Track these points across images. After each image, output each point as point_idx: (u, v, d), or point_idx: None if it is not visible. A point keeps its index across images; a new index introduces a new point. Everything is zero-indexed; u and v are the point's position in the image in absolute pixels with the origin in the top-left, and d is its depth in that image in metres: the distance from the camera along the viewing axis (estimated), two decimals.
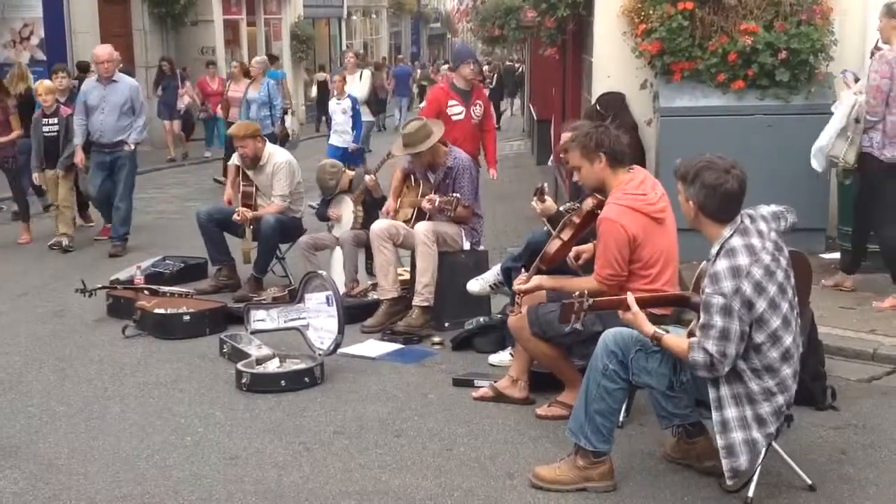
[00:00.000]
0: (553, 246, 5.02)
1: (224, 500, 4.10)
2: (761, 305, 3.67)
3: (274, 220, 7.45)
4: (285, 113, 15.15)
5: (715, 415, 3.79)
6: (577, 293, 4.00)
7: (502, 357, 5.74)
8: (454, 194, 6.51)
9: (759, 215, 3.84)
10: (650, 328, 3.89)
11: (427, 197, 6.62)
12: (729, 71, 7.73)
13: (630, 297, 3.95)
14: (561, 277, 4.95)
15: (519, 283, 5.01)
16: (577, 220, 4.95)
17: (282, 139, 12.84)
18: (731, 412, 3.76)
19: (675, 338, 3.87)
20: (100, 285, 7.27)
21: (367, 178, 7.39)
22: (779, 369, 3.76)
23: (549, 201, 5.56)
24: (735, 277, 3.65)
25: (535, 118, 17.61)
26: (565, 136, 5.71)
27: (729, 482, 3.83)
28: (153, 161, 17.76)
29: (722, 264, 3.68)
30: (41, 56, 17.62)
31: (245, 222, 7.50)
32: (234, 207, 7.72)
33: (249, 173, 7.70)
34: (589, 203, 4.90)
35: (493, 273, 6.15)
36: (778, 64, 7.62)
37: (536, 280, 4.92)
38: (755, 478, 3.92)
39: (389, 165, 7.72)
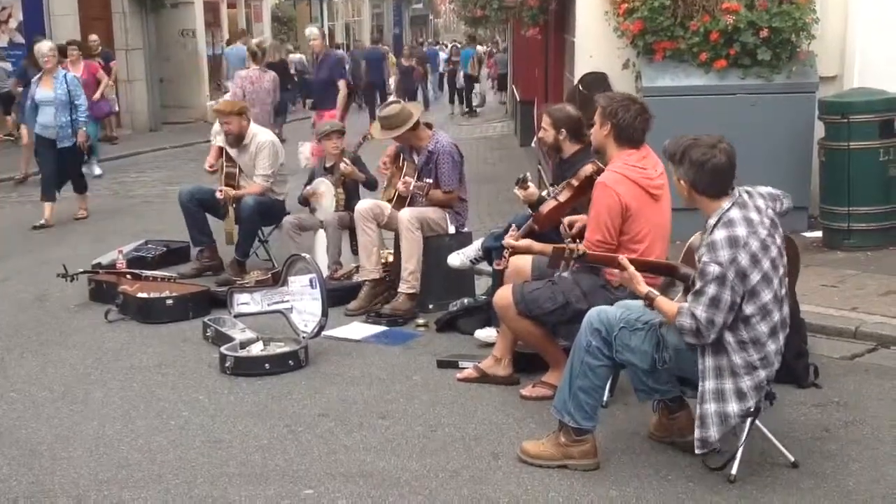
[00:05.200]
0: (548, 206, 5.01)
1: (209, 483, 4.09)
2: (755, 277, 3.70)
3: (254, 202, 7.41)
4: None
5: (700, 385, 3.84)
6: (569, 240, 4.03)
7: (489, 332, 5.74)
8: (427, 180, 6.51)
9: (758, 193, 3.89)
10: (644, 288, 3.94)
11: (402, 179, 6.61)
12: (711, 50, 7.74)
13: (624, 259, 4.00)
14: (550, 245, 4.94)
15: (510, 238, 4.99)
16: (575, 182, 4.95)
17: (87, 151, 10.78)
18: (709, 384, 3.81)
19: (667, 301, 3.91)
20: (82, 270, 7.22)
21: (342, 165, 7.36)
22: (765, 343, 3.80)
23: (532, 188, 5.56)
24: (732, 247, 3.68)
25: (518, 99, 17.58)
26: (545, 119, 5.70)
27: (697, 451, 3.86)
28: (133, 145, 17.69)
29: (720, 234, 3.71)
30: (20, 39, 17.45)
31: (227, 200, 7.46)
32: (215, 187, 7.68)
33: (233, 153, 7.66)
34: (588, 168, 4.90)
35: (475, 248, 6.15)
36: (760, 43, 7.64)
37: (527, 242, 4.91)
38: (738, 455, 3.94)
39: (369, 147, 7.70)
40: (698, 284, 3.74)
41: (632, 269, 3.99)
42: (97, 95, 13.87)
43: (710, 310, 3.69)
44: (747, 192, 3.86)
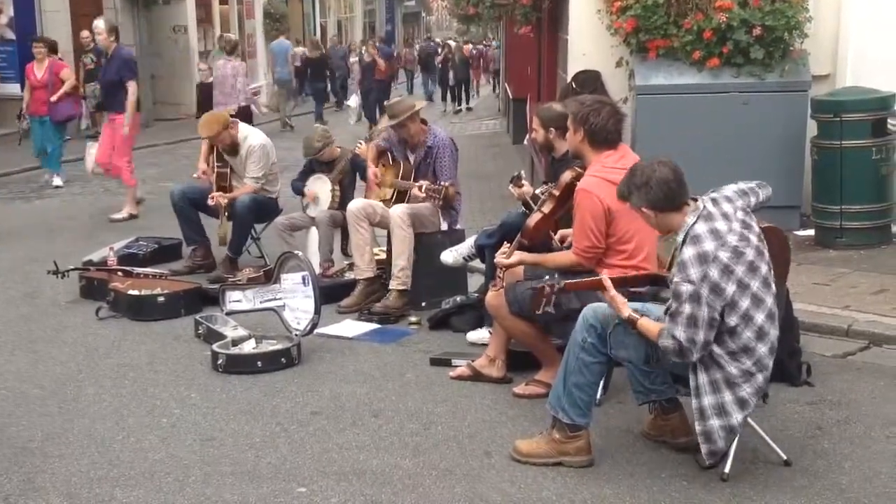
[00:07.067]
0: (534, 219, 5.01)
1: (201, 481, 4.07)
2: (731, 289, 3.68)
3: (248, 199, 7.38)
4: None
5: (694, 402, 3.83)
6: (547, 277, 4.02)
7: (481, 334, 5.73)
8: (443, 183, 6.44)
9: (723, 196, 3.85)
10: (627, 311, 3.91)
11: (419, 184, 6.49)
12: (704, 48, 7.74)
13: (605, 279, 3.97)
14: (542, 255, 4.94)
15: (501, 257, 4.99)
16: (556, 192, 4.96)
17: None
18: (707, 400, 3.79)
19: (650, 323, 3.88)
20: (72, 267, 7.19)
21: (356, 150, 7.35)
22: (755, 349, 3.78)
23: (527, 186, 5.56)
24: (702, 264, 3.66)
25: (511, 97, 17.57)
26: (534, 120, 5.70)
27: (708, 463, 3.88)
28: None
29: (688, 252, 3.69)
30: (11, 35, 17.39)
31: (220, 207, 7.43)
32: (208, 186, 7.65)
33: (225, 156, 7.63)
34: (567, 175, 4.90)
35: (468, 245, 6.14)
36: (752, 41, 7.63)
37: (518, 256, 4.92)
38: (731, 454, 3.94)
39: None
40: (673, 305, 3.73)
41: (613, 291, 3.95)
42: (55, 97, 11.93)
43: (688, 329, 3.68)
44: (712, 200, 3.82)
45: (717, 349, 3.76)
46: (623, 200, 3.97)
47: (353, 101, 18.73)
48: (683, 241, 3.74)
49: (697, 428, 3.83)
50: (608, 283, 3.97)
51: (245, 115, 12.65)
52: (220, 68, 13.56)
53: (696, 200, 3.83)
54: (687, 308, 3.66)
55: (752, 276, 3.73)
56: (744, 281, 3.71)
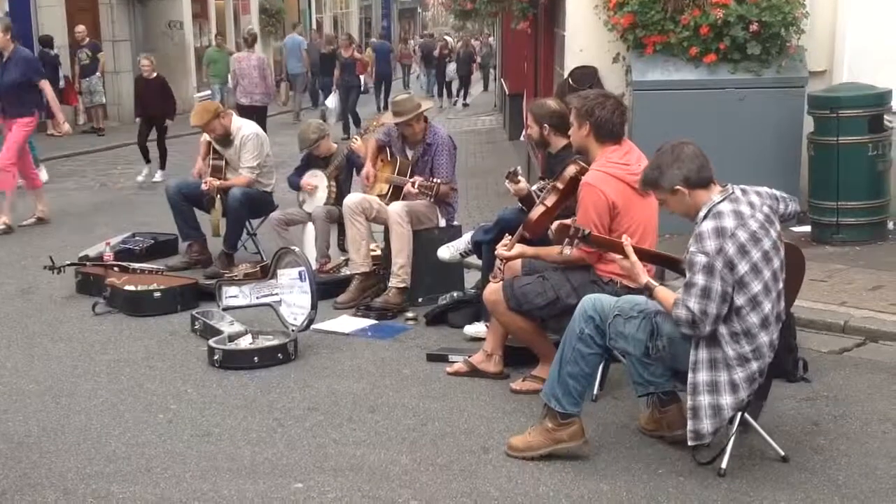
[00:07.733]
0: (536, 212, 5.01)
1: (198, 477, 4.06)
2: (743, 268, 3.72)
3: (241, 193, 7.37)
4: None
5: (690, 376, 3.86)
6: (574, 220, 4.05)
7: (478, 328, 5.73)
8: (434, 179, 6.44)
9: (754, 190, 3.91)
10: (644, 277, 3.96)
11: (412, 180, 6.50)
12: (701, 44, 7.74)
13: (628, 245, 4.01)
14: (542, 248, 4.94)
15: (502, 249, 4.99)
16: (560, 185, 4.96)
17: None
18: (702, 376, 3.82)
19: (666, 292, 3.92)
20: (69, 262, 7.18)
21: (352, 145, 7.35)
22: (756, 335, 3.81)
23: (523, 182, 5.55)
24: (719, 237, 3.70)
25: (507, 93, 17.57)
26: (529, 116, 5.70)
27: (690, 443, 3.88)
28: (120, 137, 17.60)
29: (707, 225, 3.74)
30: None
31: (212, 191, 7.42)
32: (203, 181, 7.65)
33: (218, 147, 7.62)
34: (572, 169, 4.89)
35: (464, 241, 6.14)
36: (749, 37, 7.64)
37: (519, 248, 4.92)
38: (728, 449, 3.95)
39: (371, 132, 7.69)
40: (688, 276, 3.77)
41: (634, 256, 4.00)
42: None
43: (702, 301, 3.71)
44: (742, 190, 3.89)
45: (721, 328, 3.79)
46: (649, 187, 3.98)
47: (332, 101, 18.47)
48: (705, 217, 3.78)
49: (688, 403, 3.85)
50: (630, 250, 4.01)
51: (261, 113, 12.67)
52: (244, 61, 13.80)
53: (724, 186, 3.87)
54: (700, 279, 3.70)
55: (765, 265, 3.77)
56: (758, 266, 3.75)
